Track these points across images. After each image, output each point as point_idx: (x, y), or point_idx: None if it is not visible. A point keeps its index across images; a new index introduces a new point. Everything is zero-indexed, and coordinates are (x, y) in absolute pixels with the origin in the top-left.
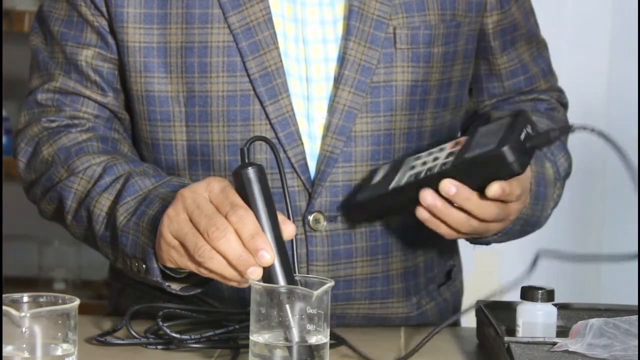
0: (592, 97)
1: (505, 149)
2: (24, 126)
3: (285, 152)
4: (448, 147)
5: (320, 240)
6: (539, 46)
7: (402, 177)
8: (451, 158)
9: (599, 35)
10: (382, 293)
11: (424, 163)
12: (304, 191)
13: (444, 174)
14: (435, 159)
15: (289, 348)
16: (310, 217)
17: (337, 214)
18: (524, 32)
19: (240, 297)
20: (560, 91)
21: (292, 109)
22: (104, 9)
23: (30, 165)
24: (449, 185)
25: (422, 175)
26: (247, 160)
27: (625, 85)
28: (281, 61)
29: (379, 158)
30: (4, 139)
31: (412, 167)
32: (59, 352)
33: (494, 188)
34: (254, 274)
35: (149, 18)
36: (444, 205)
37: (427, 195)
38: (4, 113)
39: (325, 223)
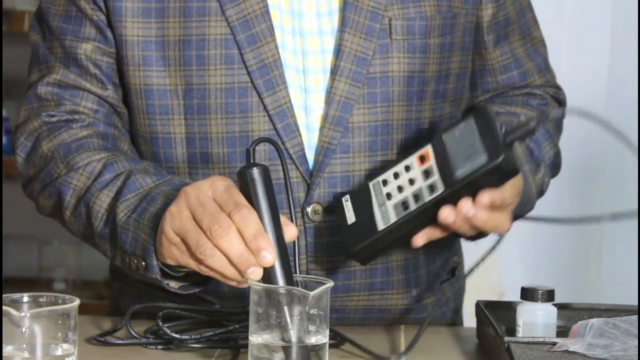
0: (592, 97)
1: (502, 160)
2: (24, 121)
3: (283, 143)
4: (415, 163)
5: (318, 232)
6: (534, 42)
7: (387, 212)
8: (434, 179)
9: (599, 35)
10: (382, 284)
11: (400, 189)
12: (302, 182)
13: (441, 202)
14: (412, 181)
15: (288, 348)
16: (309, 209)
17: (335, 205)
18: (517, 27)
19: (239, 295)
20: (557, 87)
21: (290, 101)
22: (101, 4)
23: (29, 160)
24: (467, 208)
25: (414, 207)
26: (252, 161)
27: (625, 85)
28: (278, 53)
29: (376, 149)
30: (4, 139)
31: (389, 196)
32: (59, 352)
33: (484, 199)
34: (254, 274)
35: (147, 12)
36: (464, 219)
37: (448, 216)
38: (4, 113)
39: (323, 214)
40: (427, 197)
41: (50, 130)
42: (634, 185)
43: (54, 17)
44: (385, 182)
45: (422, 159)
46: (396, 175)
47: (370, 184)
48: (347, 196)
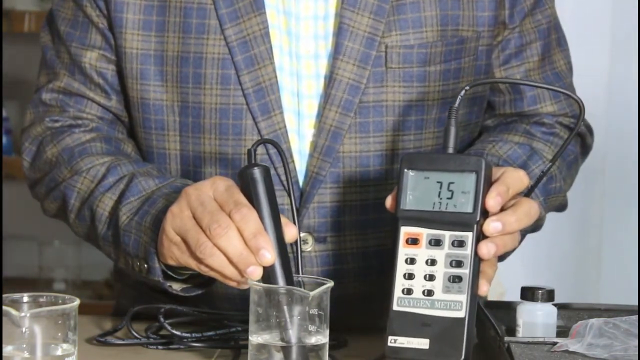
0: (592, 97)
1: (484, 160)
2: (29, 125)
3: (275, 169)
4: (414, 250)
5: (309, 261)
6: (554, 65)
7: (450, 300)
8: (451, 234)
9: (599, 35)
10: (378, 309)
11: (431, 277)
12: (294, 208)
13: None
14: (433, 262)
15: (287, 348)
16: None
17: (326, 235)
18: (535, 47)
19: (237, 303)
20: (575, 117)
21: (285, 126)
22: (105, 12)
23: (34, 165)
24: (493, 226)
25: (468, 270)
26: (253, 161)
27: (625, 85)
28: (276, 77)
29: (368, 179)
30: (4, 139)
31: (431, 292)
32: (59, 352)
33: (492, 199)
34: (254, 274)
35: (147, 25)
36: (500, 238)
37: (489, 251)
38: (4, 113)
39: (313, 244)
40: (468, 251)
41: (53, 135)
42: (634, 185)
43: (62, 21)
44: (409, 291)
45: (413, 240)
46: (410, 276)
47: (398, 310)
48: (394, 338)
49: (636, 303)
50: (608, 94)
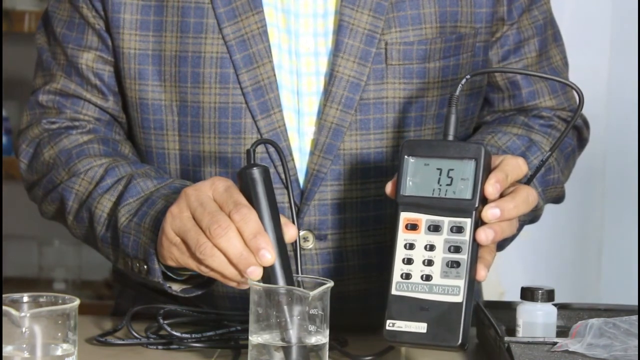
0: (592, 97)
1: (484, 147)
2: (26, 127)
3: (275, 167)
4: (412, 235)
5: (309, 259)
6: (550, 60)
7: (447, 285)
8: (450, 220)
9: (599, 35)
10: (378, 306)
11: (430, 262)
12: (293, 208)
13: (476, 228)
14: (432, 247)
15: (287, 348)
16: (299, 236)
17: (327, 232)
18: (533, 43)
19: (238, 303)
20: (573, 112)
21: (284, 124)
22: (102, 13)
23: (31, 167)
24: (491, 212)
25: (466, 255)
26: (252, 161)
27: (625, 85)
28: (274, 75)
29: (369, 176)
30: (4, 139)
31: (429, 277)
32: (59, 352)
33: (491, 187)
34: (254, 274)
35: (145, 25)
36: (498, 225)
37: (487, 236)
38: (4, 113)
39: (314, 242)
40: (467, 237)
41: (51, 137)
42: (634, 185)
43: (58, 22)
44: (408, 276)
45: (413, 226)
46: (409, 261)
47: (396, 294)
48: (392, 322)
49: (636, 303)
50: (608, 93)
